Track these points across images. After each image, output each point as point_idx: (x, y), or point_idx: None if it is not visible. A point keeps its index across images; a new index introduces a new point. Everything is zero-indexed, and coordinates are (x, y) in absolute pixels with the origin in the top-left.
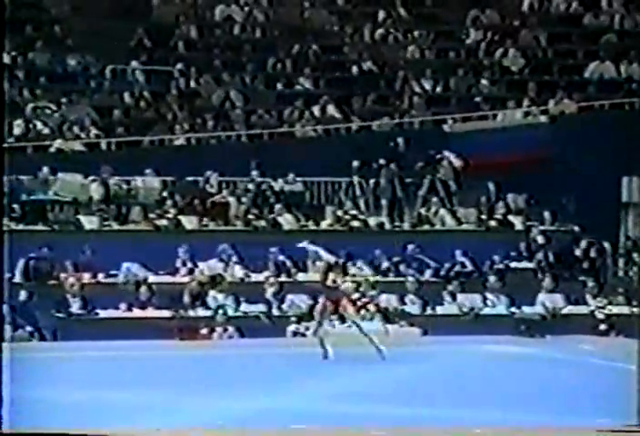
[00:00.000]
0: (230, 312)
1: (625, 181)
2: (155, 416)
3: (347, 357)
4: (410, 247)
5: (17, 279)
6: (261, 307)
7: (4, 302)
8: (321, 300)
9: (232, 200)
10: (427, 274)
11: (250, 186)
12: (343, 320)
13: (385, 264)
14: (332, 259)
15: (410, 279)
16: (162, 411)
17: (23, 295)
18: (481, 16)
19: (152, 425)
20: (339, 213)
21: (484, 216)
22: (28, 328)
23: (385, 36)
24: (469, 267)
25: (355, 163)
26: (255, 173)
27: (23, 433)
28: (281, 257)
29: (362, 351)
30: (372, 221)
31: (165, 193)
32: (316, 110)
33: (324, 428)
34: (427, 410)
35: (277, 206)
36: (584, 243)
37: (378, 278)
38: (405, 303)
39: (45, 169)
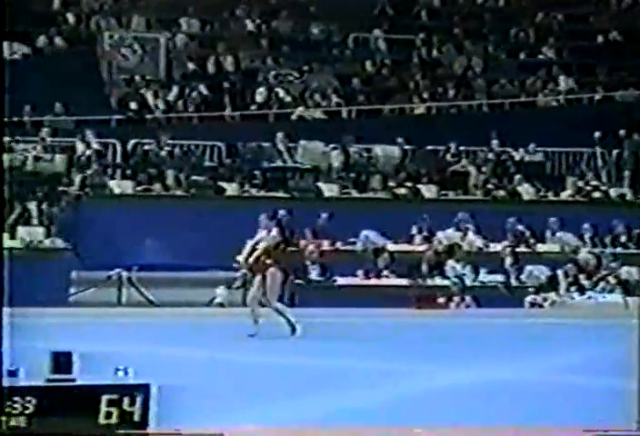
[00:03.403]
0: (468, 282)
1: None
2: (393, 383)
3: (582, 328)
4: None
5: None
6: (499, 277)
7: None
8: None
9: (472, 169)
10: None
11: (490, 156)
12: (582, 291)
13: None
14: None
15: None
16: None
17: None
18: None
19: (389, 394)
20: (580, 183)
21: None
22: None
23: (632, 5)
24: None
25: (598, 134)
26: (495, 142)
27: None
28: (520, 227)
29: (600, 323)
30: (613, 192)
31: (404, 162)
32: (559, 79)
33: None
34: None
35: (517, 176)
36: None
37: (619, 250)
38: None
39: (287, 136)
